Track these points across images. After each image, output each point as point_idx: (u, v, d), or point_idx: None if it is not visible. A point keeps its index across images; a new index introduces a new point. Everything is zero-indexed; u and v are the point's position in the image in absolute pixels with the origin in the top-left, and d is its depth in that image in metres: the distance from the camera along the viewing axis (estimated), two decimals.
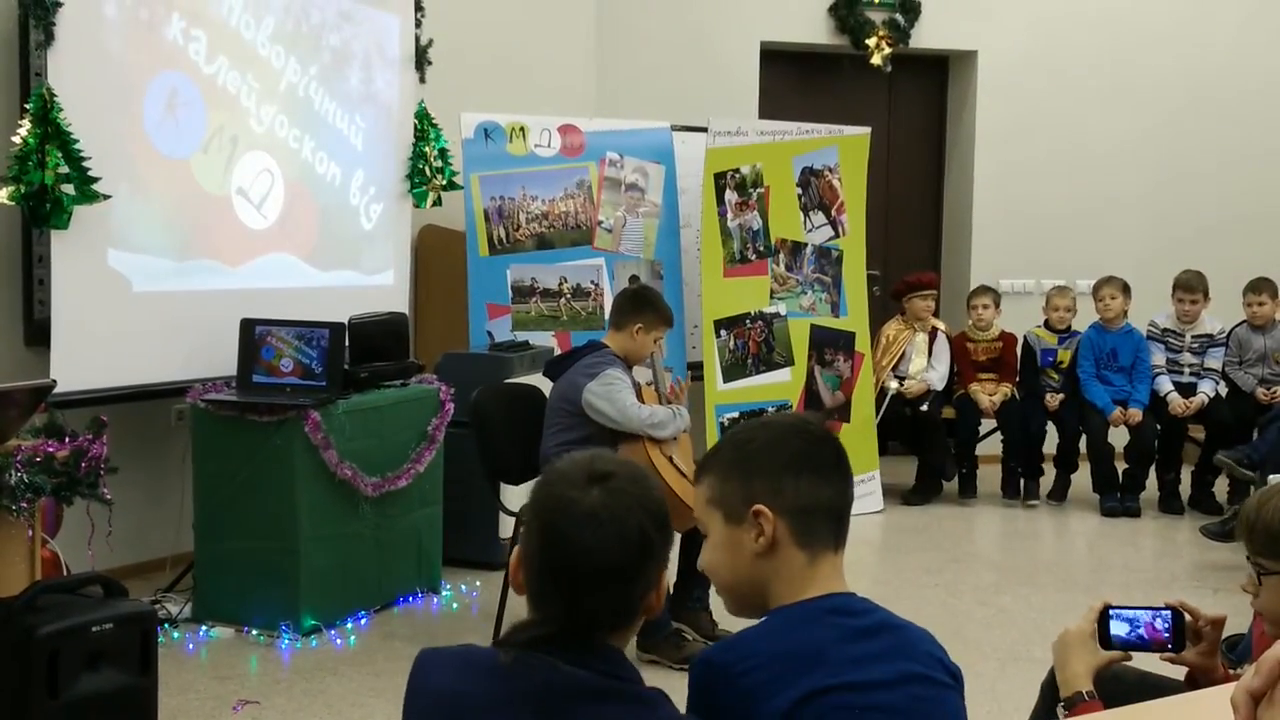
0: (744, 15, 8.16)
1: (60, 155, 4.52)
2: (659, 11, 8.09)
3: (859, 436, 7.03)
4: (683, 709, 1.74)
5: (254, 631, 4.83)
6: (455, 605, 5.35)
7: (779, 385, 6.89)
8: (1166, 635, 2.26)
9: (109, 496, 3.96)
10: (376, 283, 6.19)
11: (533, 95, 7.15)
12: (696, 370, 6.87)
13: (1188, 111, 8.60)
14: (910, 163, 8.86)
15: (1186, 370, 7.28)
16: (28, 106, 4.58)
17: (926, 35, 8.34)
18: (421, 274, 6.86)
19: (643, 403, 4.69)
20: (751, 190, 6.87)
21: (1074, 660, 2.22)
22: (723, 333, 6.76)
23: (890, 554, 6.42)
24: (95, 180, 4.63)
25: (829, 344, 7.09)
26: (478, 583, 5.56)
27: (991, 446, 7.47)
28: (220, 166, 5.34)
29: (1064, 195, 8.55)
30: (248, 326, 5.04)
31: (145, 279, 5.04)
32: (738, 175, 6.82)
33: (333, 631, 4.88)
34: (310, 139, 5.75)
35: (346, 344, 5.09)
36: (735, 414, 6.59)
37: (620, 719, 1.64)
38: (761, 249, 6.90)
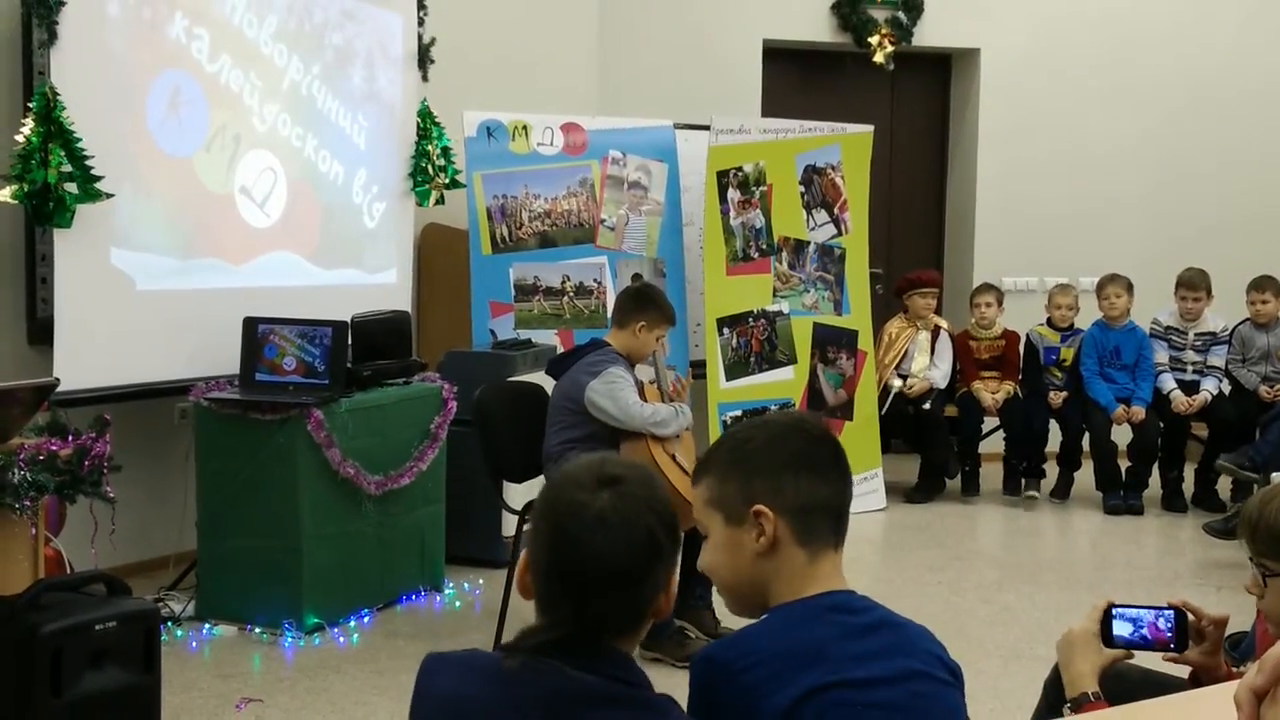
0: (746, 13, 8.16)
1: (63, 154, 4.52)
2: (661, 10, 8.09)
3: (862, 435, 7.03)
4: (684, 706, 1.74)
5: (257, 630, 4.84)
6: (458, 603, 5.36)
7: (782, 383, 6.89)
8: (1169, 635, 2.26)
9: (112, 495, 3.96)
10: (379, 281, 6.19)
11: (535, 94, 7.15)
12: (699, 368, 6.87)
13: (1189, 110, 8.59)
14: (913, 161, 8.85)
15: (1189, 368, 7.28)
16: (31, 105, 4.58)
17: (929, 33, 8.34)
18: (424, 272, 6.86)
19: (645, 401, 4.69)
20: (754, 188, 6.86)
21: (1079, 660, 2.22)
22: (725, 331, 6.76)
23: (893, 552, 6.42)
24: (98, 179, 4.63)
25: (832, 342, 7.09)
26: (480, 581, 5.57)
27: (994, 445, 7.47)
28: (223, 165, 5.35)
29: (1066, 193, 8.55)
30: (250, 325, 5.05)
31: (148, 278, 5.04)
32: (740, 173, 6.82)
33: (336, 630, 4.89)
34: (313, 137, 5.75)
35: (349, 342, 5.09)
36: (738, 412, 6.59)
37: None
38: (764, 247, 6.90)
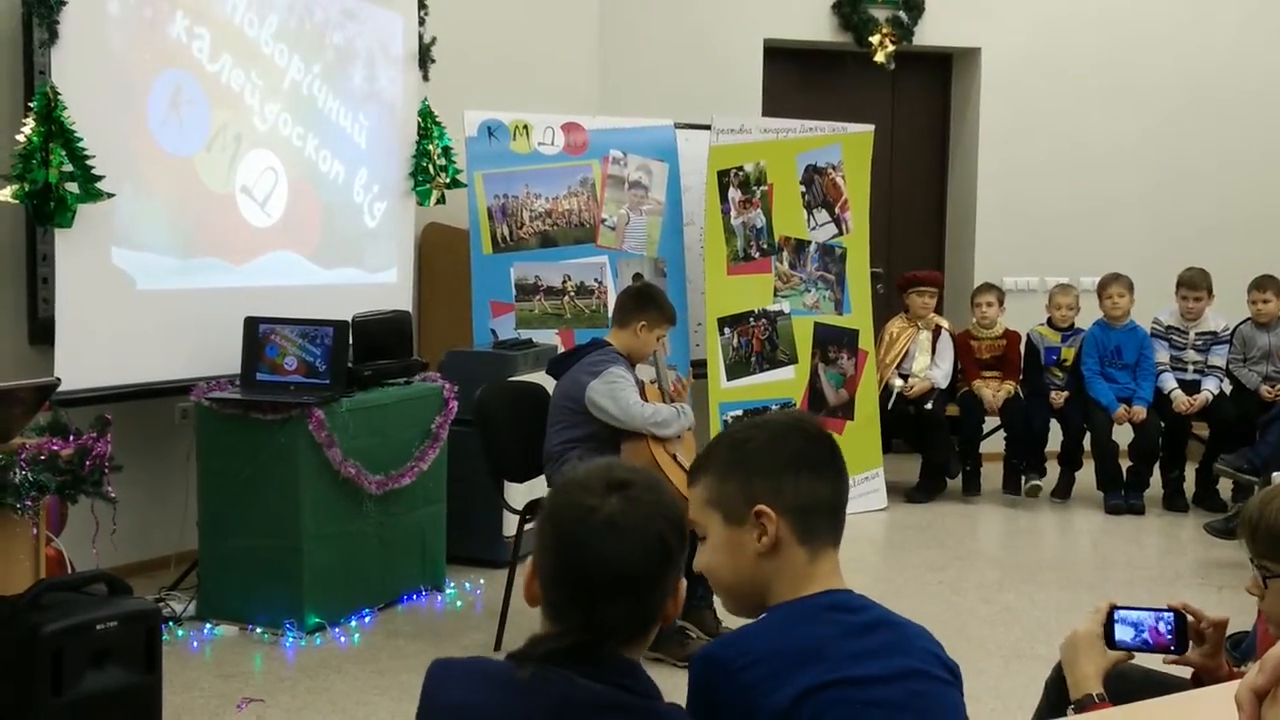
0: (747, 13, 8.16)
1: (64, 153, 4.52)
2: (662, 9, 8.08)
3: (863, 434, 7.03)
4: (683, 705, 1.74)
5: (258, 629, 4.84)
6: (459, 603, 5.36)
7: (782, 383, 6.90)
8: (1170, 637, 2.26)
9: (113, 494, 3.96)
10: (380, 281, 6.19)
11: (536, 93, 7.15)
12: (700, 368, 6.87)
13: (1190, 110, 8.59)
14: (914, 160, 8.85)
15: (1190, 367, 7.28)
16: (32, 105, 4.58)
17: (930, 33, 8.34)
18: (425, 272, 6.86)
19: (646, 401, 4.69)
20: (755, 188, 6.86)
21: (1084, 662, 2.21)
22: (726, 330, 6.76)
23: (894, 551, 6.42)
24: (99, 178, 4.63)
25: (832, 342, 7.09)
26: (481, 580, 5.57)
27: (995, 444, 7.47)
28: (224, 165, 5.35)
29: (1067, 193, 8.55)
30: (251, 325, 5.05)
31: (149, 277, 5.04)
32: (741, 173, 6.82)
33: (337, 629, 4.89)
34: (314, 137, 5.75)
35: (350, 342, 5.09)
36: (739, 411, 6.59)
37: None
38: (765, 247, 6.90)
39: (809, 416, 2.04)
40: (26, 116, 4.57)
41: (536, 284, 6.65)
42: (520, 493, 5.16)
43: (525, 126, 6.68)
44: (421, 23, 6.37)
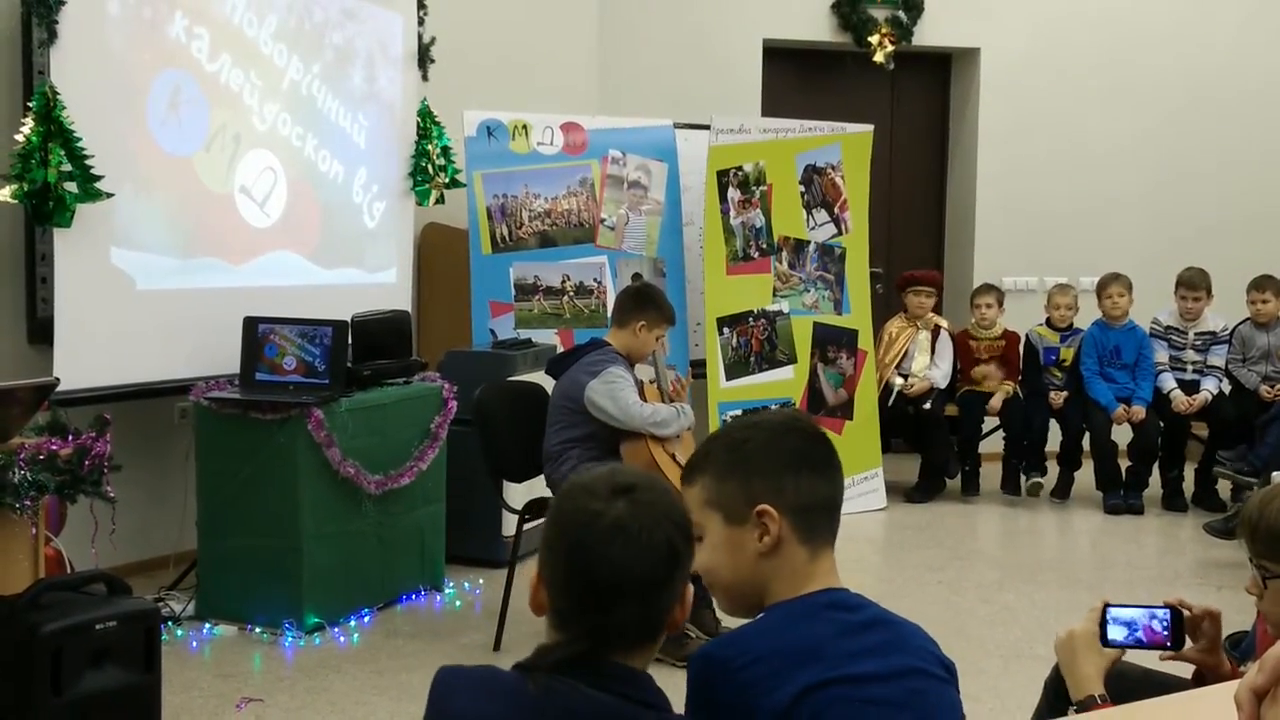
0: (746, 13, 8.16)
1: (63, 153, 4.52)
2: (661, 9, 8.09)
3: (862, 434, 7.03)
4: (682, 705, 1.73)
5: (257, 629, 4.84)
6: (458, 603, 5.36)
7: (782, 383, 6.90)
8: (1165, 634, 2.26)
9: (112, 494, 3.96)
10: (379, 281, 6.19)
11: (535, 93, 7.15)
12: (699, 368, 6.87)
13: (1189, 110, 8.60)
14: (913, 160, 8.85)
15: (1189, 367, 7.28)
16: (31, 104, 4.58)
17: (929, 33, 8.34)
18: (424, 272, 6.86)
19: (645, 400, 4.69)
20: (754, 188, 6.86)
21: (1083, 663, 2.21)
22: (725, 330, 6.76)
23: (893, 551, 6.42)
24: (98, 178, 4.63)
25: (832, 342, 7.09)
26: (481, 580, 5.57)
27: (994, 444, 7.47)
28: (223, 165, 5.35)
29: (1066, 193, 8.55)
30: (250, 324, 5.05)
31: (148, 277, 5.04)
32: (740, 173, 6.82)
33: (336, 629, 4.89)
34: (313, 137, 5.75)
35: (349, 342, 5.09)
36: (738, 411, 6.58)
37: None
38: (764, 246, 6.90)
39: (804, 415, 2.04)
40: (26, 116, 4.56)
41: (536, 284, 6.65)
42: (519, 492, 5.16)
43: (524, 126, 6.68)
44: (421, 22, 6.37)
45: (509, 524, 5.26)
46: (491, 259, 6.55)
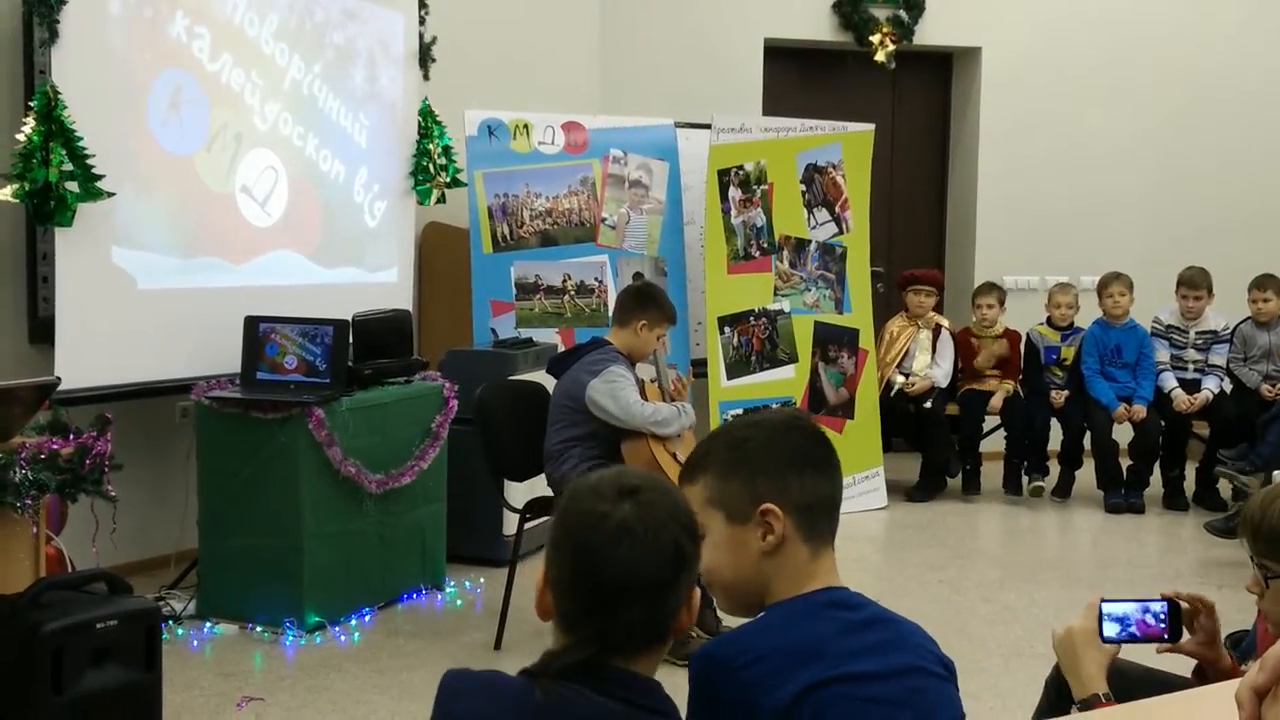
0: (747, 12, 8.16)
1: (64, 153, 4.52)
2: (662, 8, 8.08)
3: (863, 433, 7.03)
4: (683, 704, 1.73)
5: (258, 628, 4.84)
6: (459, 602, 5.36)
7: (783, 382, 6.90)
8: (1162, 627, 2.26)
9: (113, 493, 3.96)
10: (380, 280, 6.19)
11: (536, 92, 7.15)
12: (700, 367, 6.87)
13: (1190, 109, 8.59)
14: (914, 160, 8.85)
15: (1190, 366, 7.27)
16: (32, 104, 4.58)
17: (930, 32, 8.34)
18: (425, 271, 6.86)
19: (646, 400, 4.69)
20: (755, 187, 6.87)
21: (1086, 661, 2.21)
22: (726, 329, 6.76)
23: (894, 550, 6.42)
24: (99, 178, 4.63)
25: (833, 341, 7.09)
26: (481, 579, 5.57)
27: (996, 443, 7.47)
28: (224, 164, 5.35)
29: (1067, 192, 8.55)
30: (252, 324, 5.05)
31: (149, 276, 5.04)
32: (741, 172, 6.82)
33: (337, 628, 4.89)
34: (314, 136, 5.75)
35: (350, 341, 5.09)
36: (739, 410, 6.58)
37: None
38: (765, 246, 6.90)
39: (803, 414, 2.04)
40: (27, 116, 4.57)
41: (537, 283, 6.65)
42: (520, 491, 5.16)
43: (525, 126, 6.68)
44: (422, 22, 6.37)
45: (510, 523, 5.27)
46: (492, 258, 6.55)
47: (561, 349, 5.95)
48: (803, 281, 7.02)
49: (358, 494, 5.01)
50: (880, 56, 8.20)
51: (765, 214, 6.89)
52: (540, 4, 7.57)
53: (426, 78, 6.40)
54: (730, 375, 6.75)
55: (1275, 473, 5.80)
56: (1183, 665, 2.51)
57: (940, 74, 8.85)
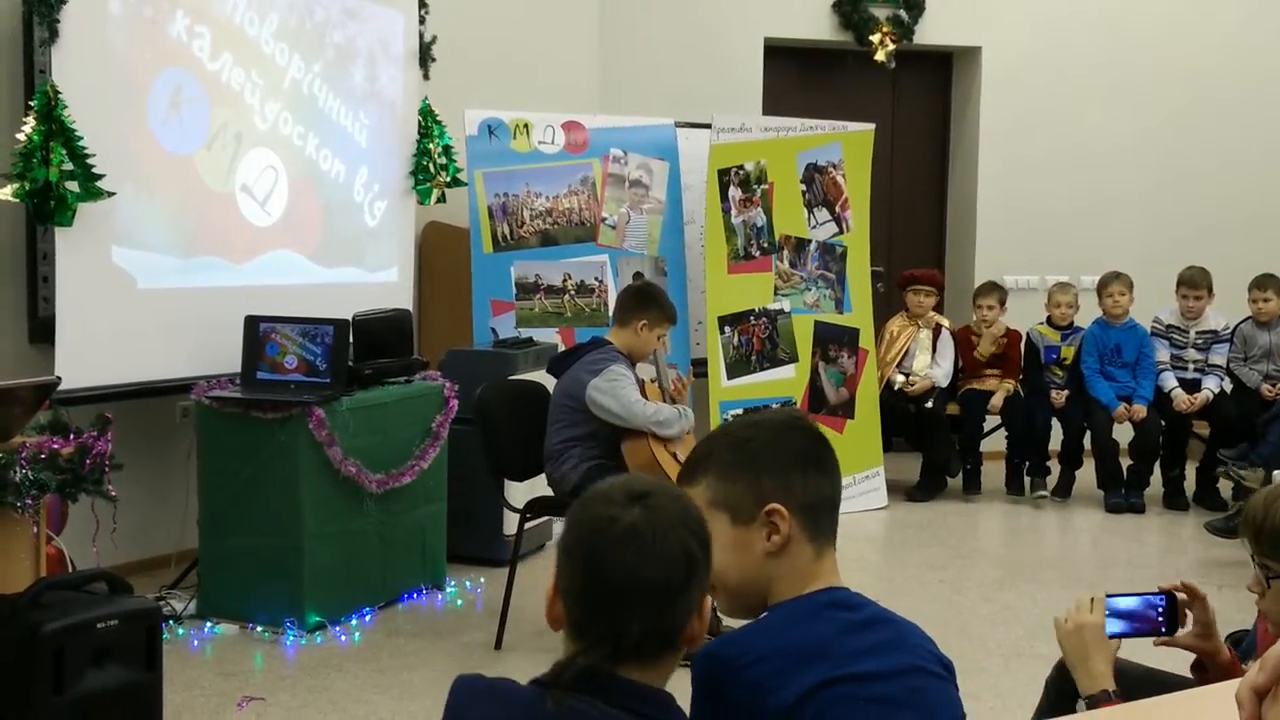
0: (748, 12, 8.16)
1: (64, 152, 4.52)
2: (662, 8, 8.09)
3: (863, 433, 7.03)
4: (685, 704, 1.73)
5: (259, 628, 4.84)
6: (460, 602, 5.36)
7: (783, 382, 6.90)
8: (1160, 620, 2.27)
9: (114, 493, 3.96)
10: (380, 280, 6.19)
11: (537, 92, 7.15)
12: (700, 367, 6.87)
13: (1190, 109, 8.59)
14: (914, 159, 8.85)
15: (1191, 366, 7.27)
16: (32, 103, 4.58)
17: (930, 32, 8.34)
18: (425, 271, 6.86)
19: (646, 399, 4.69)
20: (755, 187, 6.87)
21: (1096, 658, 2.21)
22: (727, 329, 6.76)
23: (894, 550, 6.42)
24: (99, 177, 4.63)
25: (833, 340, 7.09)
26: (482, 579, 5.57)
27: (996, 443, 7.47)
28: (224, 163, 5.35)
29: (1067, 192, 8.55)
30: (252, 323, 5.05)
31: (149, 276, 5.04)
32: (742, 172, 6.82)
33: (337, 628, 4.89)
34: (314, 136, 5.75)
35: (350, 341, 5.09)
36: (739, 410, 6.58)
37: None
38: (765, 245, 6.90)
39: (802, 414, 2.04)
40: (27, 115, 4.57)
41: (537, 283, 6.65)
42: (520, 491, 5.16)
43: (526, 125, 6.68)
44: (422, 21, 6.37)
45: (510, 523, 5.27)
46: (493, 258, 6.55)
47: (561, 349, 5.95)
48: (803, 281, 7.02)
49: (358, 494, 5.01)
50: (880, 56, 8.20)
51: (765, 214, 6.89)
52: (540, 3, 7.57)
53: (426, 77, 6.40)
54: (730, 375, 6.75)
55: (1275, 473, 5.80)
56: (1181, 663, 2.51)
57: (940, 74, 8.85)
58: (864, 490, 6.95)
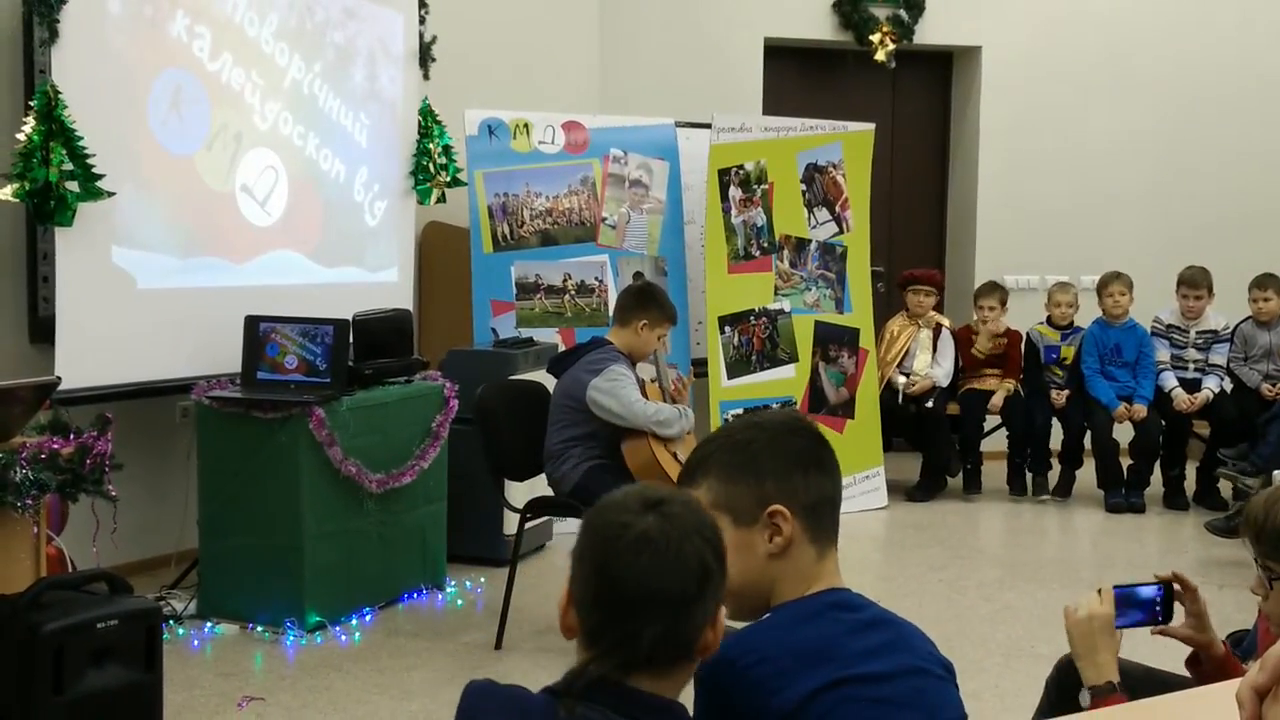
0: (748, 11, 8.16)
1: (64, 152, 4.52)
2: (662, 8, 8.09)
3: (863, 433, 7.03)
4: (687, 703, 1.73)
5: (259, 628, 4.84)
6: (460, 602, 5.36)
7: (783, 381, 6.90)
8: (1158, 609, 2.29)
9: (114, 493, 3.97)
10: (381, 279, 6.19)
11: (537, 92, 7.15)
12: (701, 367, 6.87)
13: (1190, 108, 8.59)
14: (914, 159, 8.85)
15: (1191, 366, 7.27)
16: (32, 103, 4.58)
17: (930, 31, 8.34)
18: (425, 271, 6.86)
19: (646, 399, 4.69)
20: (755, 186, 6.87)
21: (1103, 649, 2.21)
22: (727, 329, 6.76)
23: (895, 550, 6.42)
24: (99, 177, 4.63)
25: (833, 340, 7.09)
26: (482, 579, 5.57)
27: (996, 443, 7.47)
28: (224, 163, 5.35)
29: (1067, 191, 8.55)
30: (252, 323, 5.05)
31: (149, 276, 5.04)
32: (742, 171, 6.82)
33: (337, 628, 4.89)
34: (314, 136, 5.75)
35: (351, 341, 5.09)
36: (739, 410, 6.58)
37: None
38: (765, 245, 6.90)
39: (800, 415, 2.04)
40: (27, 115, 4.57)
41: (537, 283, 6.65)
42: (521, 491, 5.16)
43: (526, 125, 6.68)
44: (422, 21, 6.37)
45: (510, 523, 5.27)
46: (493, 258, 6.55)
47: (562, 349, 5.95)
48: (803, 281, 7.02)
49: (358, 493, 5.01)
50: (880, 56, 8.20)
51: (765, 213, 6.89)
52: (540, 4, 7.57)
53: (426, 77, 6.40)
54: (731, 375, 6.75)
55: (1275, 473, 5.80)
56: (1179, 658, 2.51)
57: (940, 73, 8.85)
58: (864, 490, 6.95)
